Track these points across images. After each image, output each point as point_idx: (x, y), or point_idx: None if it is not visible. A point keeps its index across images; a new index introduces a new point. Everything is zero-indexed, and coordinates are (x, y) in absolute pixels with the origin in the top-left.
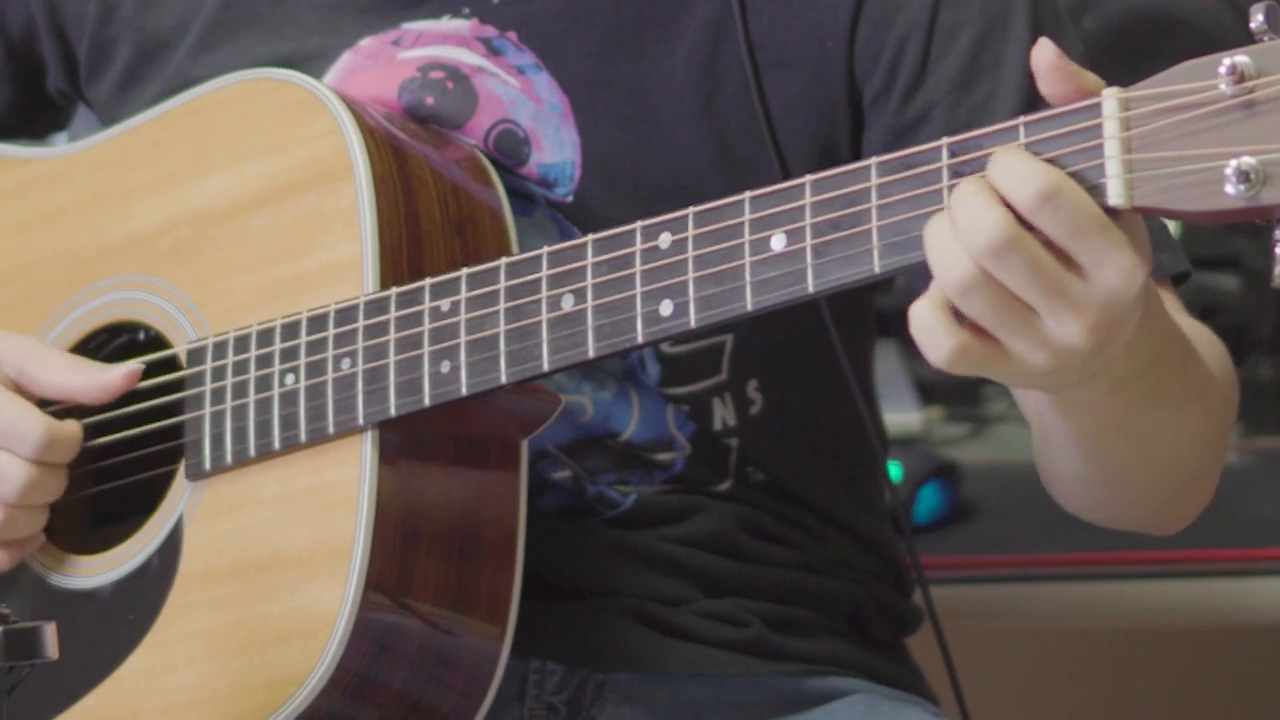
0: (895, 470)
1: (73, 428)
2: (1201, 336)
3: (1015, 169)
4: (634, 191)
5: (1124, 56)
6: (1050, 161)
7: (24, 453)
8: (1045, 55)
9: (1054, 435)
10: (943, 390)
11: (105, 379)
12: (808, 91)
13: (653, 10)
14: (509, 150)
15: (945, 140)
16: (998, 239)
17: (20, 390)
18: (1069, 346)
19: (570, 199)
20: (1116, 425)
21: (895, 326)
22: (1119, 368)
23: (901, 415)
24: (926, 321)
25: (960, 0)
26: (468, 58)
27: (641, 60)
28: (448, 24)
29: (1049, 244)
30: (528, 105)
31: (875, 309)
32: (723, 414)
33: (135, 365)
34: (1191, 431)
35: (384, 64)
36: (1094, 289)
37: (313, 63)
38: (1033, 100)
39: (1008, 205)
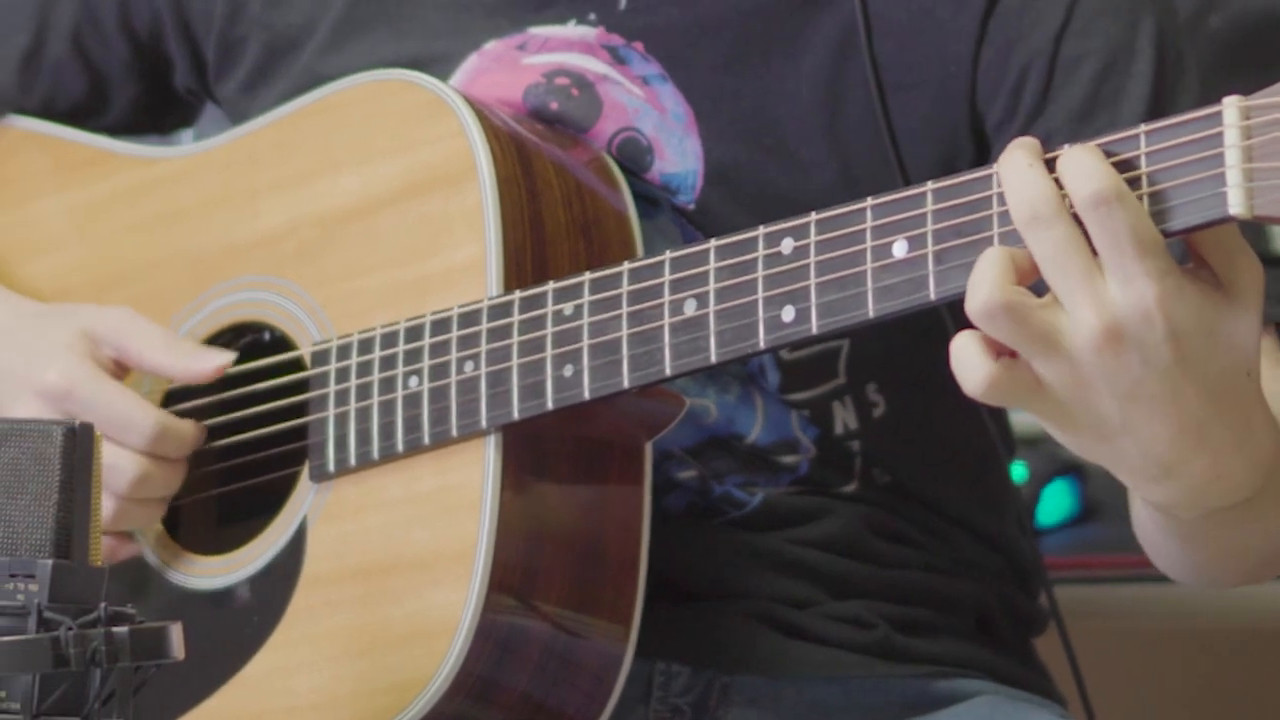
0: (1020, 470)
1: (187, 424)
2: None
3: (1084, 164)
4: (755, 203)
5: (1250, 58)
6: (1170, 169)
7: (136, 445)
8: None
9: (1156, 524)
10: None
11: (196, 364)
12: (930, 115)
13: (779, 26)
14: (632, 157)
15: (1068, 146)
16: (1042, 210)
17: (120, 367)
18: (1084, 356)
19: (692, 206)
20: (1214, 540)
21: None
22: (1207, 494)
23: (1028, 414)
24: (959, 352)
25: (1085, 31)
26: (593, 65)
27: (767, 75)
28: (573, 30)
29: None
30: (652, 114)
31: None
32: (844, 417)
33: (228, 356)
34: None
35: (509, 68)
36: (1115, 297)
37: (438, 65)
38: None
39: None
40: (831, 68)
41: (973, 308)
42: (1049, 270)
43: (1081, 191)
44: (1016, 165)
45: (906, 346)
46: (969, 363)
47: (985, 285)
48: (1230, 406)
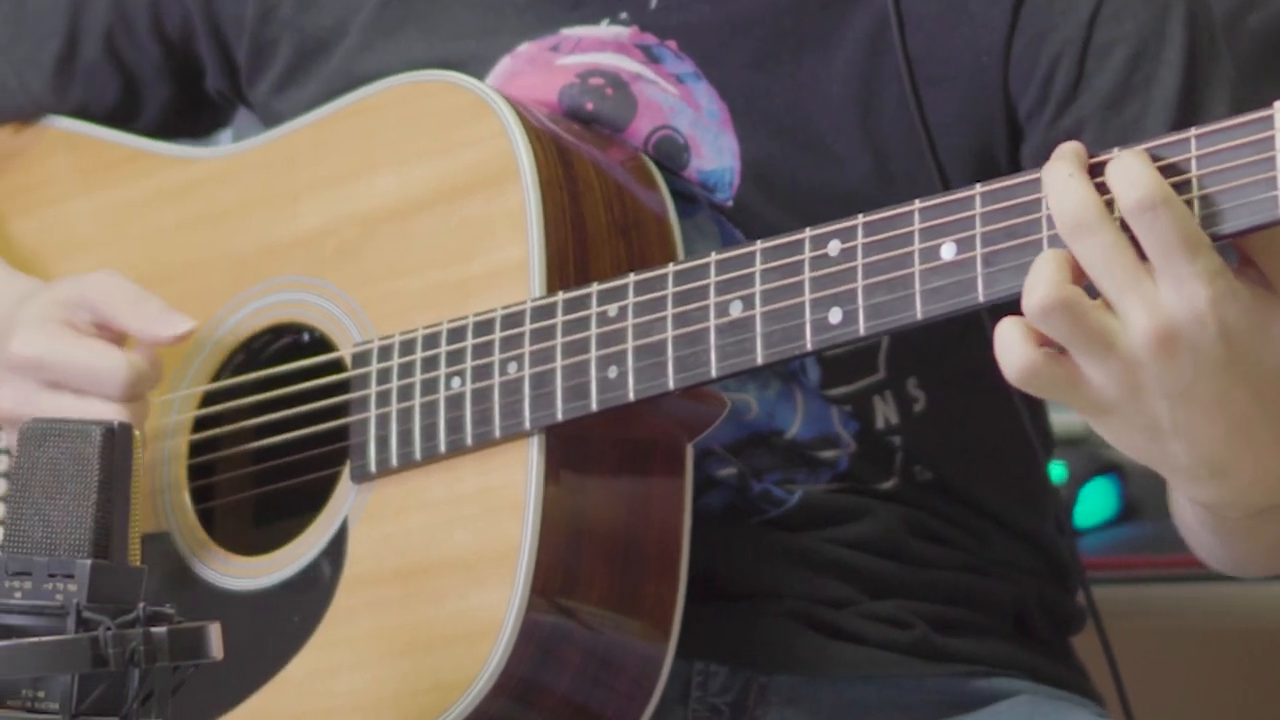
0: (1060, 470)
1: (158, 362)
2: None
3: (1131, 169)
4: (793, 199)
5: None
6: (1221, 172)
7: (112, 394)
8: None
9: (1199, 520)
10: None
11: (159, 328)
12: (964, 106)
13: (811, 23)
14: (669, 155)
15: (1117, 150)
16: (1085, 217)
17: (103, 329)
18: (1137, 358)
19: (730, 204)
20: (1258, 535)
21: None
22: (1246, 483)
23: (1066, 414)
24: (1003, 337)
25: (1115, 18)
26: (627, 65)
27: (800, 71)
28: (606, 30)
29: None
30: (687, 112)
31: None
32: (884, 412)
33: (191, 323)
34: None
35: (543, 69)
36: (1167, 301)
37: (470, 66)
38: (1183, 122)
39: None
40: (864, 63)
41: (1030, 305)
42: (1097, 276)
43: (1128, 197)
44: (1058, 175)
45: (947, 342)
46: (1012, 348)
47: (1043, 283)
48: (1277, 406)
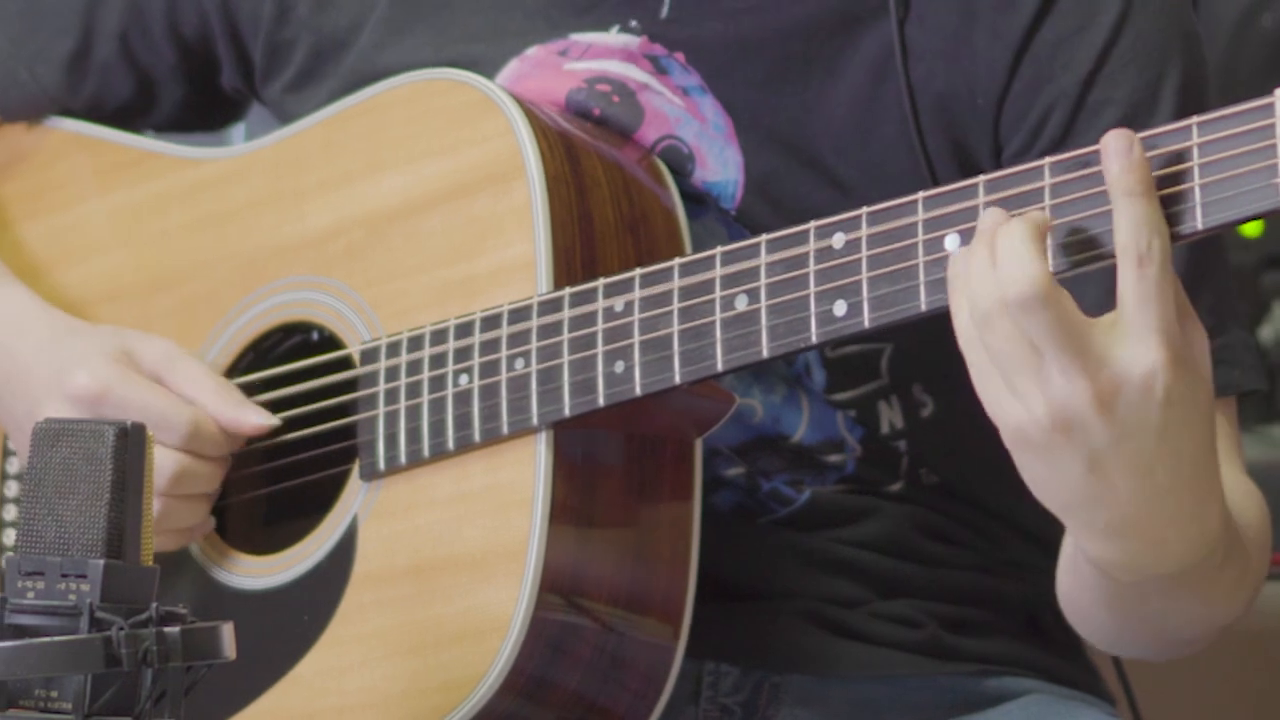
0: None
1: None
2: (1242, 496)
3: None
4: (793, 215)
5: None
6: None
7: (172, 442)
8: None
9: (1085, 583)
10: None
11: (237, 416)
12: (958, 138)
13: (820, 48)
14: (673, 165)
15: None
16: (1031, 293)
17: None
18: (1070, 407)
19: (733, 214)
20: (1137, 605)
21: None
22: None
23: None
24: (1018, 242)
25: (1112, 80)
26: (634, 74)
27: (805, 93)
28: (615, 37)
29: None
30: (692, 124)
31: None
32: (890, 416)
33: (274, 421)
34: (1211, 619)
35: (550, 73)
36: (1114, 359)
37: (479, 68)
38: None
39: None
40: (868, 90)
41: (1009, 294)
42: (1044, 343)
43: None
44: (1009, 238)
45: (951, 348)
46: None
47: (1027, 275)
48: (1190, 478)
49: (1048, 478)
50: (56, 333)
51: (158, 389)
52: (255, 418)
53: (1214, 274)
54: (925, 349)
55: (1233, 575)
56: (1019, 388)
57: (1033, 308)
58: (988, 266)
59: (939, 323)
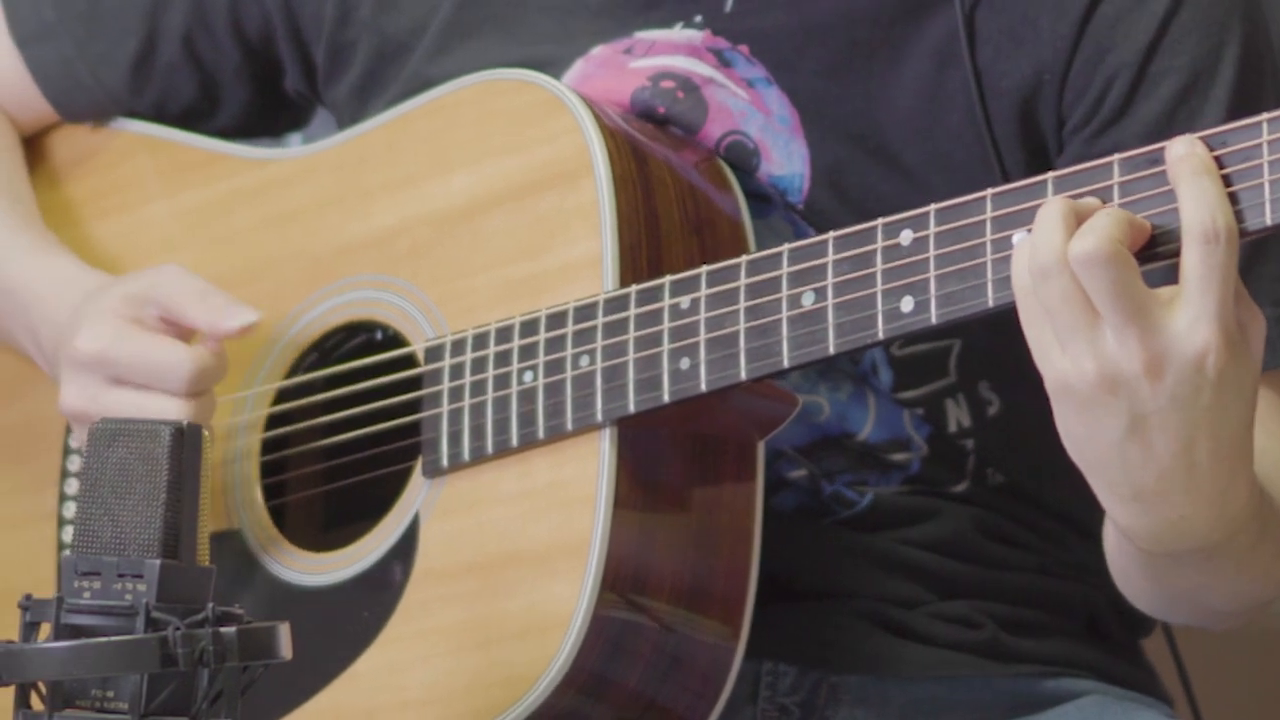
0: None
1: (223, 357)
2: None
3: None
4: (863, 205)
5: None
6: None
7: (176, 390)
8: None
9: (1121, 547)
10: None
11: (223, 320)
12: (1025, 119)
13: (884, 34)
14: (738, 160)
15: (1192, 136)
16: (1102, 251)
17: (169, 325)
18: (1120, 369)
19: (800, 208)
20: (1168, 577)
21: None
22: (1180, 533)
23: None
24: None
25: (1173, 49)
26: (699, 69)
27: (870, 80)
28: (679, 33)
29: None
30: (757, 117)
31: None
32: (957, 415)
33: (254, 314)
34: (1252, 594)
35: (615, 72)
36: (1170, 332)
37: (546, 70)
38: None
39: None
40: (933, 75)
41: (1087, 247)
42: (1105, 304)
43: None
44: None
45: (1019, 345)
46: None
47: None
48: (1226, 458)
49: (1084, 433)
50: (88, 296)
51: (152, 337)
52: (234, 321)
53: (1274, 247)
54: (993, 346)
55: (1271, 550)
56: (1069, 343)
57: (1099, 266)
58: (1057, 221)
59: (1006, 319)
